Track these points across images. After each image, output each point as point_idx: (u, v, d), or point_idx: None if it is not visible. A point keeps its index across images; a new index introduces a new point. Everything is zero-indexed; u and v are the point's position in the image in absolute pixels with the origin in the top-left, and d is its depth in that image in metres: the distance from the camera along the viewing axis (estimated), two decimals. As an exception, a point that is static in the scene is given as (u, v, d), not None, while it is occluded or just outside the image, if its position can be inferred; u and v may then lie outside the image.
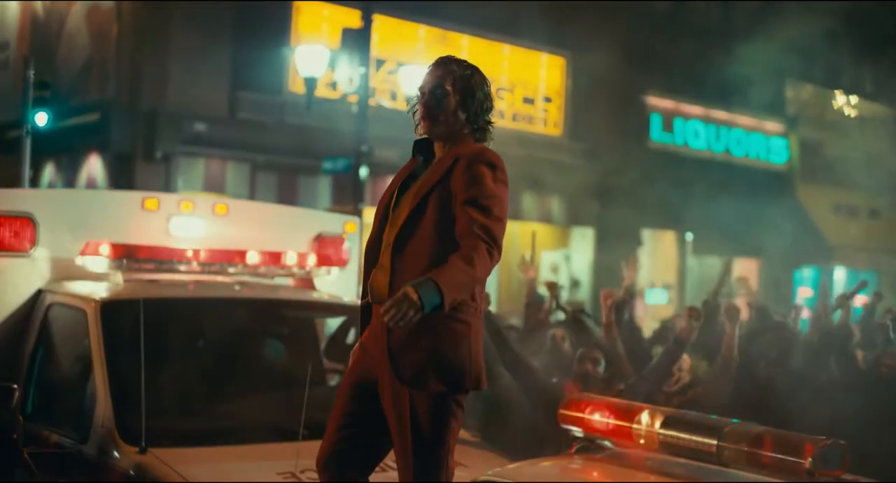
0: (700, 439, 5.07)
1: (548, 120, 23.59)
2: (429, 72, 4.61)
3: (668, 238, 26.14)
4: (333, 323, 7.95)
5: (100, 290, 6.46)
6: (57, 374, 6.66)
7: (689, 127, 26.28)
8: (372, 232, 4.57)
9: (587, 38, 22.67)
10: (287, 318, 7.25)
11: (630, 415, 5.38)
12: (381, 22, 17.51)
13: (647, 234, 25.41)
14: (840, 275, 30.39)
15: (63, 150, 18.67)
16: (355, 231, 8.03)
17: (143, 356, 5.54)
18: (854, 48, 30.46)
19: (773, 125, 28.47)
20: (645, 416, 5.31)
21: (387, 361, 4.33)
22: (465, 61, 4.66)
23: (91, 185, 18.25)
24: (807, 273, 29.37)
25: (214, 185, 18.48)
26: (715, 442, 5.00)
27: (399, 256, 4.36)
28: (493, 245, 4.23)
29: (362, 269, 4.69)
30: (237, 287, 7.08)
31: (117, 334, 6.13)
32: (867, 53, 30.95)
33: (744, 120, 27.63)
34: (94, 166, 18.59)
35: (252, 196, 18.60)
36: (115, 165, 18.16)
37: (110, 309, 6.23)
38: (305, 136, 18.95)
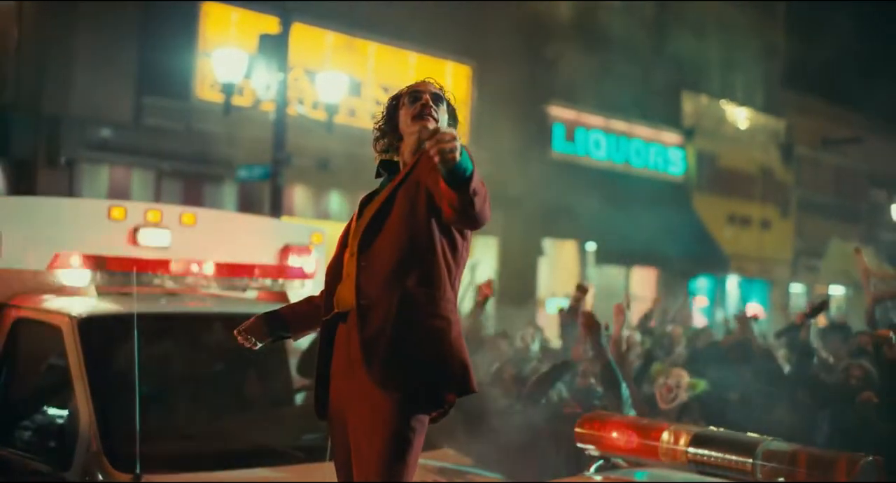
0: (734, 458, 4.96)
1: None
2: (420, 84, 4.48)
3: (569, 248, 26.23)
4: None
5: (75, 305, 6.06)
6: (27, 395, 6.22)
7: (591, 137, 26.42)
8: (334, 254, 4.41)
9: (493, 47, 22.68)
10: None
11: (654, 433, 5.24)
12: (286, 27, 17.14)
13: (548, 244, 25.47)
14: (733, 284, 30.96)
15: (-42, 155, 17.89)
16: (322, 242, 7.74)
17: (138, 374, 5.19)
18: (747, 61, 31.16)
19: (670, 136, 28.82)
20: (670, 434, 5.18)
21: (359, 361, 4.06)
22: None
23: (-11, 191, 17.50)
24: (702, 282, 29.81)
25: (119, 193, 17.88)
26: (750, 460, 4.89)
27: (365, 256, 4.18)
28: (486, 198, 3.91)
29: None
30: (210, 301, 6.74)
31: (99, 351, 5.76)
32: (759, 66, 31.66)
33: (643, 131, 27.91)
34: (-8, 172, 17.84)
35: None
36: (15, 172, 17.43)
37: (89, 325, 5.85)
38: (212, 143, 18.54)
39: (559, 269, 26.14)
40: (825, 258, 31.33)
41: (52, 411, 5.84)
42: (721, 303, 29.72)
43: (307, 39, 19.74)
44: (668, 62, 27.57)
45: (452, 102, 4.52)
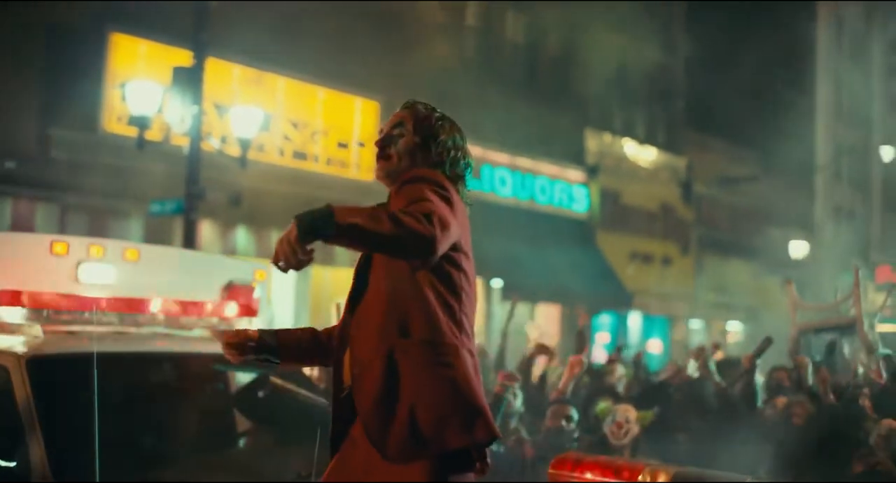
0: (716, 497, 4.94)
1: (361, 165, 23.33)
2: (393, 113, 4.22)
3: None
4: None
5: (20, 344, 5.80)
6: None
7: (497, 174, 26.54)
8: (342, 316, 4.06)
9: (400, 83, 22.67)
10: (217, 373, 6.72)
11: (630, 473, 5.20)
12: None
13: (454, 281, 25.41)
14: (635, 320, 31.29)
15: None
16: (265, 279, 7.56)
17: (97, 416, 4.97)
18: (649, 100, 31.68)
19: (574, 174, 29.10)
20: (647, 475, 5.14)
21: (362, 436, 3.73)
22: (435, 108, 4.23)
23: None
24: (605, 319, 30.06)
25: (22, 226, 17.40)
26: (733, 500, 4.88)
27: (355, 321, 3.86)
28: (426, 218, 3.52)
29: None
30: (158, 340, 6.53)
31: (49, 392, 5.51)
32: (660, 105, 32.21)
33: (548, 168, 28.13)
34: None
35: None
36: (-85, 205, 16.90)
37: (38, 364, 5.60)
38: (120, 177, 18.16)
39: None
40: (696, 294, 31.95)
41: (-2, 457, 5.56)
42: (623, 339, 30.02)
43: (216, 73, 19.50)
44: (572, 101, 27.92)
45: (426, 120, 4.12)
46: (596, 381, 9.57)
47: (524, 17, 27.87)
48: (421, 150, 4.09)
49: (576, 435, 7.23)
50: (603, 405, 7.91)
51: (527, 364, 10.27)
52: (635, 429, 7.21)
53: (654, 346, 28.25)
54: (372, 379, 3.72)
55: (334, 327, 4.29)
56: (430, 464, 3.66)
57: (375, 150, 4.14)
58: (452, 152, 4.14)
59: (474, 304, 3.95)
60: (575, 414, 7.31)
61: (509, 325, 11.80)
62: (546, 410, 7.64)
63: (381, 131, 4.18)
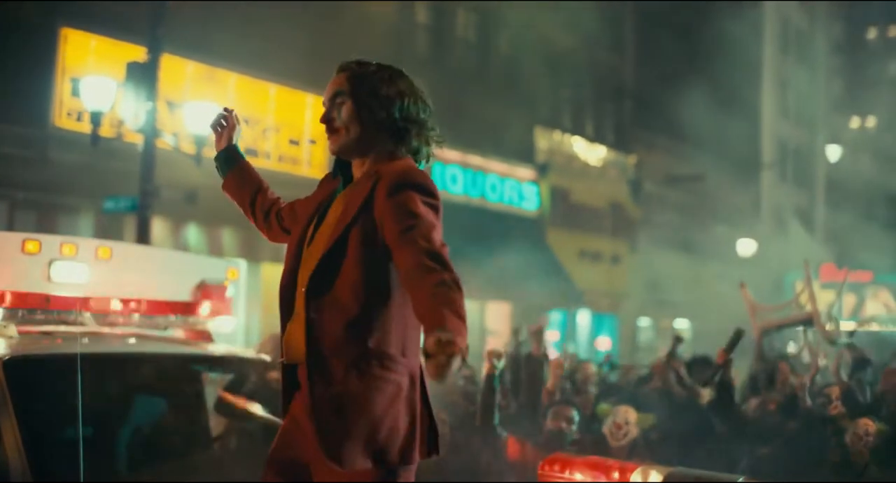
0: (708, 497, 4.93)
1: (312, 162, 23.23)
2: (330, 81, 3.93)
3: (425, 282, 26.19)
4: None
5: (-5, 346, 5.67)
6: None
7: (448, 172, 26.53)
8: (284, 274, 3.83)
9: (352, 80, 22.56)
10: (194, 373, 6.62)
11: (623, 473, 5.18)
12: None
13: (405, 279, 25.37)
14: (584, 318, 31.41)
15: None
16: (237, 278, 7.46)
17: (80, 419, 4.88)
18: (598, 99, 31.81)
19: (525, 171, 29.17)
20: (639, 475, 5.13)
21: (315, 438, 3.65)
22: (372, 61, 3.95)
23: None
24: (555, 316, 30.15)
25: (-31, 224, 17.17)
26: (726, 499, 4.88)
27: (315, 304, 3.65)
28: (455, 275, 3.52)
29: (277, 321, 3.91)
30: (134, 340, 6.42)
31: (28, 395, 5.39)
32: (609, 104, 32.36)
33: (498, 166, 28.18)
34: None
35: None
36: None
37: (16, 366, 5.47)
38: (69, 174, 17.92)
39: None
40: (644, 292, 32.13)
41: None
42: (572, 337, 30.13)
43: (168, 69, 19.30)
44: (522, 99, 27.97)
45: (361, 76, 3.88)
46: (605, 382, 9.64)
47: (475, 15, 27.90)
48: (364, 111, 3.84)
49: (574, 437, 7.22)
50: (604, 406, 7.93)
51: (518, 359, 10.09)
52: (634, 431, 7.21)
53: (603, 344, 28.34)
54: (328, 379, 3.63)
55: (276, 201, 4.49)
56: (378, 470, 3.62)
57: (324, 126, 3.91)
58: (398, 101, 3.88)
59: None
60: (576, 416, 7.31)
61: None
62: (540, 410, 7.66)
63: (325, 104, 3.93)
